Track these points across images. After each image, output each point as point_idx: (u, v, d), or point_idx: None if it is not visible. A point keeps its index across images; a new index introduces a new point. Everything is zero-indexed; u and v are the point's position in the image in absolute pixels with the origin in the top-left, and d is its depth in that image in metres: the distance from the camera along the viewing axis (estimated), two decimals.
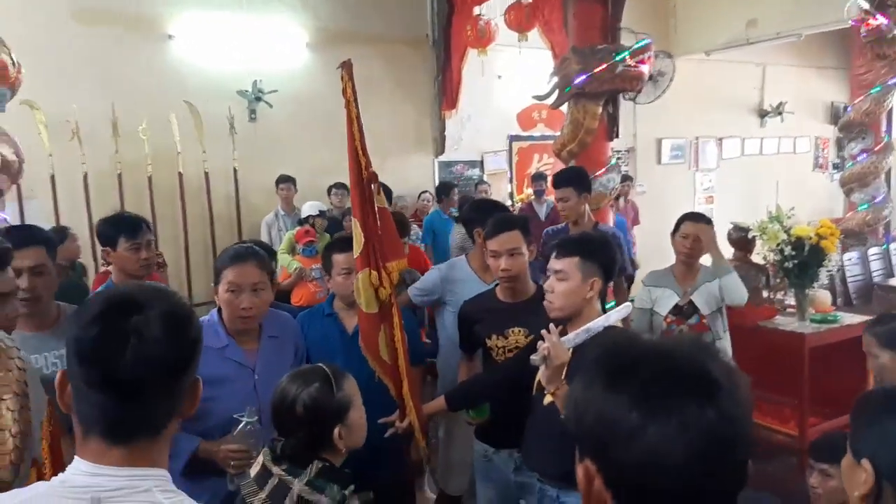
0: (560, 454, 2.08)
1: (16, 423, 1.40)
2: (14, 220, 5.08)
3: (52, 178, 5.83)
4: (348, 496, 1.67)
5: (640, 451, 0.72)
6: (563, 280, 2.14)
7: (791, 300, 4.46)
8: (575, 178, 3.84)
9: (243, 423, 1.99)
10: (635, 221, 7.93)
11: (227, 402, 2.13)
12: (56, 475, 1.45)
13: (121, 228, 2.69)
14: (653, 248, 8.19)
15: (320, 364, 1.87)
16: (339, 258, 2.64)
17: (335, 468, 1.76)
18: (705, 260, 3.49)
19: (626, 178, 7.83)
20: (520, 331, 2.51)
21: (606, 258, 2.17)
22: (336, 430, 1.75)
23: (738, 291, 3.31)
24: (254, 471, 1.81)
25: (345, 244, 2.63)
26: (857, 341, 4.34)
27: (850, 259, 6.35)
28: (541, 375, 1.92)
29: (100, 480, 0.95)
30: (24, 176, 4.65)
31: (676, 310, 3.40)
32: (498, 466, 2.57)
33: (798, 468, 3.96)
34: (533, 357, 1.94)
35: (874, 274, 6.54)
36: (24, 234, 2.14)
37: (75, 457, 0.99)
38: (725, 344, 3.37)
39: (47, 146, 5.72)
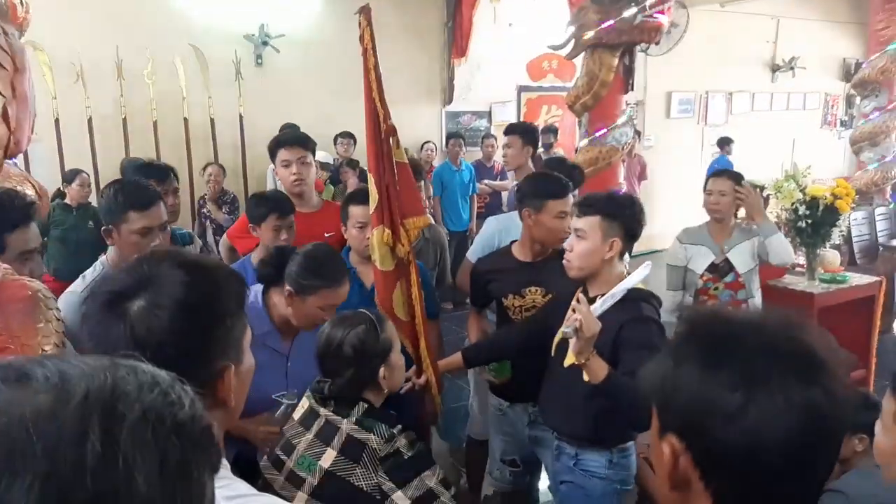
0: (583, 416, 2.15)
1: None
2: (20, 164, 5.03)
3: (57, 121, 5.75)
4: (396, 434, 1.72)
5: (740, 431, 0.71)
6: (583, 239, 2.12)
7: (801, 259, 4.46)
8: (521, 130, 4.20)
9: (284, 405, 2.01)
10: (642, 176, 7.90)
11: (258, 387, 2.15)
12: None
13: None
14: (660, 203, 8.19)
15: (361, 310, 1.91)
16: (355, 210, 2.62)
17: (380, 409, 1.82)
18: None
19: (635, 133, 7.76)
20: (537, 290, 2.51)
21: (629, 218, 2.13)
22: (381, 370, 1.82)
23: (784, 252, 3.28)
24: (298, 415, 1.86)
25: (363, 197, 2.60)
26: (865, 301, 4.42)
27: (855, 219, 6.33)
28: (571, 347, 1.92)
29: None
30: None
31: (713, 267, 3.38)
32: (512, 420, 2.61)
33: None
34: (564, 329, 1.95)
35: (879, 234, 6.54)
36: None
37: None
38: (757, 302, 3.37)
39: (51, 88, 5.63)
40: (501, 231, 3.07)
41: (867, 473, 2.22)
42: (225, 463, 0.95)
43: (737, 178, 3.38)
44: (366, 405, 1.78)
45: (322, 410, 1.79)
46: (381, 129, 2.30)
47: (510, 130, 4.21)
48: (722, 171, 3.47)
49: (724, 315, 0.81)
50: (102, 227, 2.15)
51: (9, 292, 1.42)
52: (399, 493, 1.68)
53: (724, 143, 8.62)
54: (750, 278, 3.35)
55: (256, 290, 2.21)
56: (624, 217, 2.12)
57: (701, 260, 3.40)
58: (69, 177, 5.10)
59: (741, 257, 3.34)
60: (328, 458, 1.71)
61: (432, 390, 2.44)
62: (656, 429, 0.82)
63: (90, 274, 2.22)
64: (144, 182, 2.44)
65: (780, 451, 0.71)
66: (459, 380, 3.54)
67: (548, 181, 2.61)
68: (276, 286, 2.16)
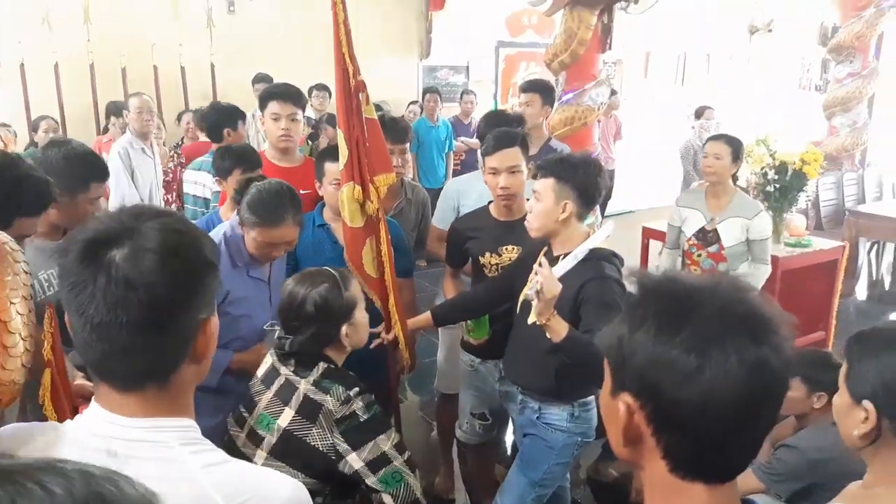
0: (544, 371, 2.22)
1: (25, 326, 1.41)
2: None
3: (22, 66, 5.58)
4: (353, 397, 1.74)
5: (695, 389, 0.75)
6: (538, 200, 2.17)
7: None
8: (542, 88, 3.92)
9: (277, 330, 2.04)
10: (617, 136, 7.91)
11: (256, 318, 2.25)
12: (60, 371, 1.48)
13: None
14: (634, 164, 8.23)
15: (325, 267, 1.92)
16: (330, 167, 2.59)
17: (340, 369, 1.84)
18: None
19: (612, 92, 7.74)
20: (513, 248, 2.53)
21: (582, 181, 2.14)
22: (343, 329, 1.83)
23: (754, 280, 3.33)
24: (261, 371, 1.89)
25: (337, 153, 2.60)
26: (827, 266, 4.54)
27: (824, 184, 6.44)
28: (534, 308, 1.96)
29: (115, 430, 0.89)
30: None
31: (701, 233, 3.43)
32: (483, 376, 2.66)
33: None
34: (526, 291, 1.99)
35: (847, 199, 6.67)
36: None
37: (93, 400, 0.93)
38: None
39: (17, 31, 5.44)
40: (460, 193, 3.05)
41: (822, 429, 2.32)
42: (196, 427, 0.95)
43: (733, 142, 3.38)
44: (325, 365, 1.79)
45: (283, 369, 1.80)
46: (350, 85, 2.28)
47: (530, 88, 3.93)
48: (720, 136, 3.46)
49: (678, 279, 0.84)
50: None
51: None
52: (353, 454, 1.72)
53: (702, 112, 8.54)
54: (734, 253, 3.37)
55: (234, 222, 2.23)
56: (576, 179, 2.14)
57: (692, 223, 3.47)
58: (35, 124, 5.01)
59: (729, 231, 3.36)
60: (286, 417, 1.74)
61: (401, 346, 2.47)
62: (609, 387, 0.85)
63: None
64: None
65: (731, 408, 0.75)
66: (432, 335, 3.59)
67: (487, 138, 2.60)
68: None
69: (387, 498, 1.75)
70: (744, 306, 0.78)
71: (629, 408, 0.81)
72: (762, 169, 4.15)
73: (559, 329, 1.97)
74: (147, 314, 0.85)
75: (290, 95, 3.03)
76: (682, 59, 9.68)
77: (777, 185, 4.14)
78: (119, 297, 0.84)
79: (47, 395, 1.46)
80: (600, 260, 2.12)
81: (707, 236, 3.43)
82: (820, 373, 2.31)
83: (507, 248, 2.55)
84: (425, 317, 2.59)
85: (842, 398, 1.36)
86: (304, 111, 3.17)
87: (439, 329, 3.21)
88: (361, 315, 1.91)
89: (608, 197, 7.87)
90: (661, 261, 3.67)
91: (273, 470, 0.99)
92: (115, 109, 5.43)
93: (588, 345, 1.88)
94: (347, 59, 2.27)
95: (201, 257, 0.91)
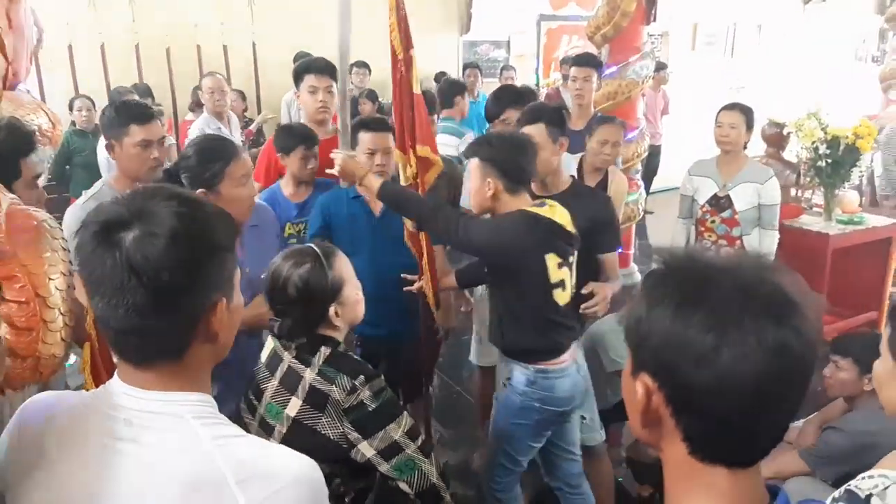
0: (497, 326, 2.32)
1: (64, 301, 1.44)
2: (35, 93, 5.02)
3: (70, 47, 5.70)
4: (358, 386, 1.68)
5: (712, 372, 0.72)
6: (469, 179, 2.28)
7: (819, 199, 4.39)
8: (596, 63, 3.96)
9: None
10: (665, 112, 7.72)
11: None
12: (101, 345, 1.52)
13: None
14: (682, 140, 8.02)
15: (310, 244, 1.83)
16: (364, 137, 2.63)
17: (343, 355, 1.76)
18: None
19: (661, 66, 7.53)
20: None
21: (500, 159, 2.19)
22: (332, 309, 1.74)
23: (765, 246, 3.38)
24: (264, 355, 1.82)
25: (373, 124, 2.70)
26: (880, 244, 4.36)
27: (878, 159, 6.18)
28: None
29: (132, 402, 0.91)
30: (42, 46, 4.56)
31: (714, 200, 3.47)
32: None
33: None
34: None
35: None
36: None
37: (115, 373, 0.96)
38: (752, 240, 3.40)
39: (64, 14, 5.55)
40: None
41: (869, 413, 2.26)
42: (213, 402, 0.97)
43: (747, 111, 3.38)
44: (328, 351, 1.72)
45: (286, 355, 1.74)
46: (404, 58, 2.44)
47: (586, 63, 3.95)
48: (734, 105, 3.45)
49: (698, 257, 0.80)
50: (105, 143, 2.24)
51: (16, 222, 1.44)
52: (364, 443, 1.68)
53: None
54: (747, 217, 3.39)
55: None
56: (494, 158, 2.19)
57: (704, 191, 3.49)
58: (71, 104, 5.17)
59: (742, 196, 3.38)
60: (294, 406, 1.69)
61: (429, 299, 2.58)
62: (629, 367, 0.83)
63: (91, 191, 2.31)
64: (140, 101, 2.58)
65: (751, 391, 0.73)
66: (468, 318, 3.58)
67: (524, 111, 2.69)
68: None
69: (403, 485, 1.72)
70: (766, 286, 0.75)
71: (647, 388, 0.78)
72: (813, 143, 4.00)
73: (373, 184, 2.30)
74: (152, 298, 0.86)
75: (325, 69, 3.08)
76: (732, 30, 9.35)
77: (829, 161, 3.99)
78: (125, 280, 0.85)
79: (87, 368, 1.49)
80: None
81: (720, 202, 3.45)
82: (872, 355, 2.23)
83: None
84: (450, 278, 2.68)
85: (884, 364, 1.33)
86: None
87: (473, 301, 3.22)
88: (352, 292, 1.79)
89: (653, 174, 7.71)
90: (674, 232, 3.63)
91: (286, 447, 0.98)
92: (141, 92, 5.56)
93: (401, 191, 2.32)
94: (400, 36, 2.44)
95: (212, 242, 0.92)
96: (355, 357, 1.81)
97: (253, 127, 5.87)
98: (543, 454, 2.49)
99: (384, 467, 1.70)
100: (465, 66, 7.09)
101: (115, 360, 0.96)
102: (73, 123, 5.20)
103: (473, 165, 2.24)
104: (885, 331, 1.33)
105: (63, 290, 1.42)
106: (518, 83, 7.15)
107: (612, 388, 2.79)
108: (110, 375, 0.96)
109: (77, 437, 0.92)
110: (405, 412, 1.77)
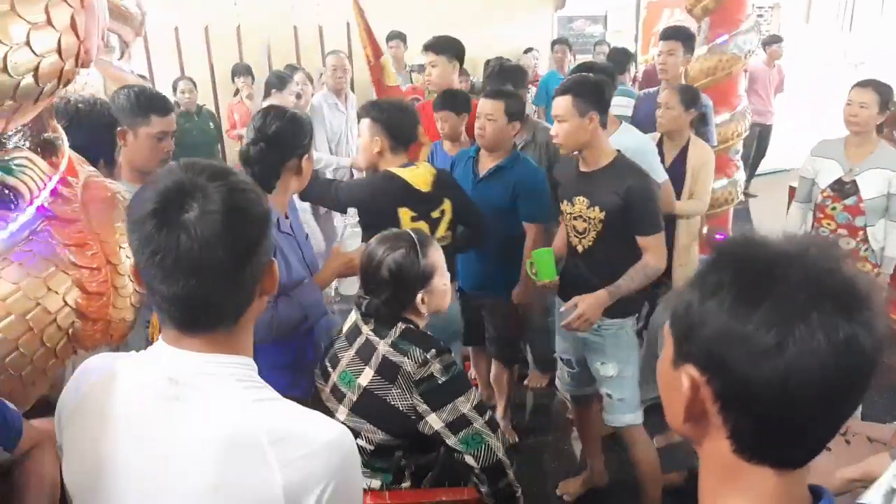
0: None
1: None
2: (144, 73, 5.32)
3: (176, 30, 5.99)
4: (430, 359, 1.73)
5: (773, 370, 0.67)
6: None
7: None
8: (684, 36, 3.82)
9: (345, 227, 2.08)
10: (779, 89, 7.25)
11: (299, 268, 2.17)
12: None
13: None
14: (795, 119, 7.53)
15: (408, 230, 1.92)
16: (485, 104, 2.86)
17: (418, 331, 1.83)
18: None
19: (775, 40, 7.06)
20: (583, 199, 2.47)
21: (387, 124, 2.46)
22: (419, 296, 1.81)
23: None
24: (346, 327, 1.92)
25: (493, 93, 2.93)
26: None
27: None
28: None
29: (177, 362, 0.96)
30: (144, 28, 4.82)
31: (837, 184, 3.15)
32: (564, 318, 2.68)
33: None
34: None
35: None
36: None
37: (159, 337, 1.00)
38: (877, 232, 3.10)
39: None
40: None
41: None
42: (254, 365, 1.01)
43: (883, 90, 3.03)
44: (404, 326, 1.79)
45: (364, 328, 1.82)
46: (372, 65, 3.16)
47: (672, 35, 3.84)
48: (868, 81, 3.09)
49: (760, 242, 0.73)
50: (118, 128, 2.14)
51: (91, 192, 1.51)
52: (433, 415, 1.73)
53: None
54: (874, 206, 3.06)
55: None
56: (383, 119, 2.46)
57: (827, 174, 3.18)
58: (174, 85, 5.41)
59: (870, 183, 3.04)
60: (366, 376, 1.76)
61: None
62: (670, 356, 0.77)
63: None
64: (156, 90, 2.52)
65: (813, 391, 0.67)
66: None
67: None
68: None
69: (469, 459, 1.75)
70: (835, 277, 0.68)
71: (694, 382, 0.73)
72: None
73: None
74: (223, 270, 0.91)
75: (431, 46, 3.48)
76: (851, 1, 8.65)
77: None
78: (196, 256, 0.89)
79: (156, 333, 1.56)
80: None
81: (844, 188, 3.11)
82: None
83: (578, 199, 2.49)
84: None
85: None
86: None
87: None
88: (440, 281, 1.87)
89: (761, 155, 7.27)
90: (789, 217, 3.37)
91: (322, 414, 1.00)
92: (241, 70, 5.73)
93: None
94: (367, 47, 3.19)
95: (261, 212, 0.97)
96: (429, 334, 1.86)
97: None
98: None
99: (451, 440, 1.74)
100: (553, 43, 6.90)
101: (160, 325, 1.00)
102: (178, 104, 5.46)
103: (363, 125, 2.51)
104: None
105: (132, 257, 1.49)
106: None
107: None
108: None
109: (125, 394, 0.98)
110: (473, 388, 1.81)
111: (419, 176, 2.47)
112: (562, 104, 2.37)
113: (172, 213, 0.90)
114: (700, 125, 3.68)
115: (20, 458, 1.25)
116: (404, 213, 2.43)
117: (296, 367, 2.07)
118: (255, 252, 0.95)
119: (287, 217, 2.14)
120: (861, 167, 3.07)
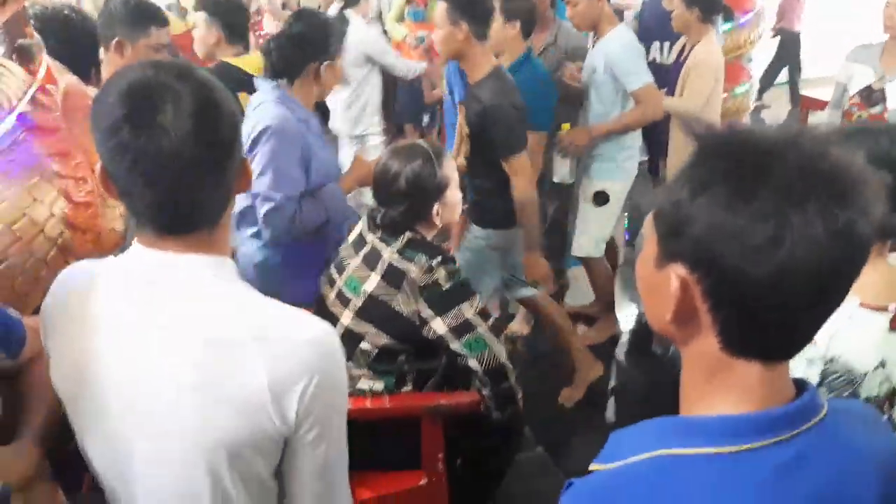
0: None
1: None
2: None
3: None
4: (435, 266, 1.75)
5: (770, 263, 0.65)
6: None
7: None
8: None
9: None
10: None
11: (325, 169, 2.18)
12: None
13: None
14: (821, 25, 7.17)
15: (419, 142, 1.91)
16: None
17: (425, 240, 1.84)
18: None
19: None
20: (463, 111, 2.48)
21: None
22: (435, 207, 1.83)
23: None
24: (352, 237, 1.93)
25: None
26: None
27: None
28: None
29: (155, 263, 0.94)
30: None
31: (866, 91, 3.01)
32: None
33: None
34: None
35: None
36: None
37: (134, 239, 0.97)
38: None
39: None
40: None
41: None
42: (233, 263, 1.00)
43: None
44: (410, 235, 1.79)
45: (370, 236, 1.83)
46: None
47: None
48: None
49: (748, 133, 0.70)
50: (115, 39, 2.05)
51: (72, 101, 1.48)
52: (438, 320, 1.75)
53: None
54: None
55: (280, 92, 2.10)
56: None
57: (858, 80, 3.05)
58: None
59: None
60: (372, 282, 1.78)
61: None
62: (653, 256, 0.74)
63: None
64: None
65: (810, 282, 0.65)
66: None
67: None
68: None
69: (472, 362, 1.79)
70: (828, 162, 0.65)
71: (684, 281, 0.70)
72: None
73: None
74: (206, 169, 0.90)
75: None
76: None
77: None
78: (178, 157, 0.86)
79: None
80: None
81: (872, 95, 2.98)
82: None
83: (462, 109, 2.48)
84: None
85: None
86: None
87: None
88: (454, 194, 1.89)
89: (786, 62, 6.93)
90: (817, 122, 3.25)
91: (305, 311, 1.00)
92: None
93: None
94: None
95: (235, 108, 0.95)
96: (433, 243, 1.88)
97: None
98: None
99: (455, 345, 1.78)
100: None
101: (136, 227, 0.98)
102: None
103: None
104: None
105: None
106: None
107: None
108: None
109: (106, 299, 0.97)
110: (477, 294, 1.84)
111: (253, 63, 2.42)
112: (437, 11, 2.32)
113: (146, 116, 0.86)
114: None
115: (24, 365, 1.27)
116: (244, 99, 2.29)
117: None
118: (232, 148, 0.94)
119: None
120: (893, 75, 2.93)
